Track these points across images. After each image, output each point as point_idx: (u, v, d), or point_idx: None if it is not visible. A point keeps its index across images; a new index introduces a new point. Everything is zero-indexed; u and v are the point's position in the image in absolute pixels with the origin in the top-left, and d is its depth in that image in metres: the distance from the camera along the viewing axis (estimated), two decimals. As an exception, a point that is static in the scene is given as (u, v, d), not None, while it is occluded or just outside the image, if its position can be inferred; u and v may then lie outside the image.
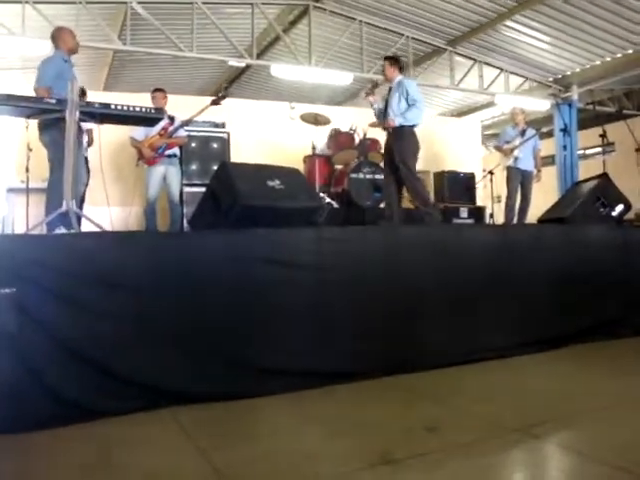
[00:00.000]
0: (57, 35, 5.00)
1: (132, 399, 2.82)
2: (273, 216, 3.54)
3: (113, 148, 7.55)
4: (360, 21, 10.95)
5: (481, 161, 11.69)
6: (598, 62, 11.72)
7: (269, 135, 9.25)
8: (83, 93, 4.53)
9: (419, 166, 6.04)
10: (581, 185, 6.04)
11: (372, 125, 7.47)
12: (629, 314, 4.55)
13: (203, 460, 2.24)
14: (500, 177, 8.30)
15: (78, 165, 4.44)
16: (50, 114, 4.10)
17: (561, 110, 11.64)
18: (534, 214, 6.82)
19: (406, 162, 5.63)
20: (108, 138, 6.62)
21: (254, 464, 2.22)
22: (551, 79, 12.81)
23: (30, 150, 6.39)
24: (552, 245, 4.44)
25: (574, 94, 12.67)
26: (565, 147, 10.92)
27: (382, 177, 6.56)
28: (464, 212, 8.83)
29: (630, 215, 5.91)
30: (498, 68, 12.28)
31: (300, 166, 7.80)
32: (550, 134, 13.62)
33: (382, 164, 6.41)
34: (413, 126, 5.72)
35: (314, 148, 8.05)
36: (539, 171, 7.84)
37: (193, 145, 7.35)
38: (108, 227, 5.46)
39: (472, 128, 12.10)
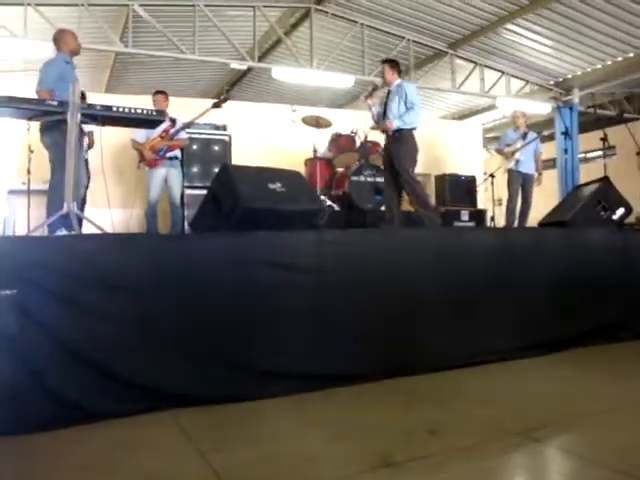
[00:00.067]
0: (59, 37, 5.00)
1: (133, 401, 2.82)
2: (274, 219, 3.54)
3: (114, 150, 7.56)
4: (362, 24, 10.96)
5: (482, 164, 11.69)
6: (599, 65, 11.73)
7: (270, 138, 9.26)
8: (82, 97, 4.53)
9: (420, 169, 6.05)
10: (582, 188, 6.04)
11: (373, 128, 7.48)
12: (630, 318, 4.55)
13: (204, 462, 2.24)
14: (501, 180, 8.31)
15: (79, 167, 4.44)
16: (51, 116, 4.11)
17: (562, 113, 11.65)
18: (535, 217, 6.82)
19: (405, 166, 5.65)
20: (109, 140, 6.63)
21: (255, 467, 2.22)
22: (552, 82, 12.82)
23: (31, 152, 6.40)
24: (553, 248, 4.44)
25: (575, 97, 12.69)
26: (566, 150, 10.91)
27: (383, 180, 6.57)
28: (465, 215, 8.83)
29: (631, 219, 5.92)
30: (499, 71, 12.29)
31: (301, 169, 7.79)
32: (551, 137, 13.63)
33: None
34: (412, 129, 5.73)
35: (315, 151, 8.06)
36: (540, 174, 7.84)
37: (194, 147, 7.37)
38: (109, 229, 5.46)
39: (473, 131, 12.10)
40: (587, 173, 10.85)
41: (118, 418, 2.73)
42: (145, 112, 4.20)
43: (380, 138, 6.47)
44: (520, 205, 7.71)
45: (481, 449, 2.37)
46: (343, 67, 11.58)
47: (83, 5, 8.89)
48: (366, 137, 7.88)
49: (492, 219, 9.28)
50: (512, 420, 2.72)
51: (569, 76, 12.46)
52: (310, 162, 8.06)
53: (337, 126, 8.27)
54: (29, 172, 6.62)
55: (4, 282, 2.63)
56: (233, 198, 3.48)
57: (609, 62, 11.50)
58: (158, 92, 6.95)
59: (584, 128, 13.01)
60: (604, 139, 7.48)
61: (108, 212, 5.90)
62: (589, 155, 15.16)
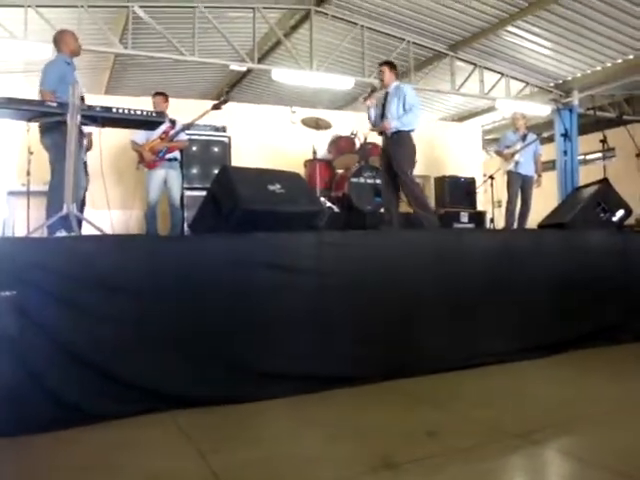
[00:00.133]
0: (59, 38, 5.01)
1: (133, 403, 2.81)
2: (274, 220, 3.54)
3: (114, 151, 7.56)
4: (362, 26, 10.98)
5: (482, 166, 11.69)
6: (599, 68, 11.75)
7: (270, 139, 9.26)
8: (81, 99, 4.54)
9: (419, 170, 6.06)
10: (581, 190, 6.04)
11: (372, 130, 7.49)
12: (629, 320, 4.54)
13: (203, 463, 2.24)
14: (501, 182, 8.31)
15: (78, 168, 4.44)
16: (51, 117, 4.11)
17: (562, 115, 11.63)
18: (534, 219, 6.82)
19: (404, 168, 5.67)
20: (109, 141, 6.62)
21: (254, 468, 2.22)
22: (552, 84, 12.84)
23: (31, 153, 6.40)
24: (552, 250, 4.44)
25: (575, 99, 12.70)
26: (565, 152, 10.88)
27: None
28: (464, 217, 8.84)
29: (630, 220, 5.92)
30: (499, 73, 12.32)
31: (301, 170, 7.81)
32: (551, 139, 13.65)
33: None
34: (410, 131, 5.74)
35: (315, 152, 8.07)
36: (539, 176, 7.86)
37: (194, 149, 7.37)
38: (109, 230, 5.46)
39: (473, 133, 12.11)
40: (586, 175, 10.84)
41: (118, 419, 2.72)
42: (145, 113, 4.20)
43: (379, 140, 6.48)
44: (519, 207, 7.72)
45: (480, 451, 2.37)
46: (343, 69, 11.60)
47: (83, 6, 8.91)
48: (366, 139, 7.89)
49: (491, 221, 9.29)
50: (511, 422, 2.72)
51: (569, 78, 12.49)
52: (310, 164, 8.07)
53: (337, 128, 8.28)
54: (29, 173, 6.61)
55: (4, 283, 2.63)
56: (233, 199, 3.48)
57: (609, 64, 11.52)
58: (158, 93, 6.95)
59: (584, 130, 13.03)
60: (604, 141, 7.49)
61: (107, 213, 5.90)
62: (589, 157, 15.20)
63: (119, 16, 9.67)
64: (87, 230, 4.43)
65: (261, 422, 2.82)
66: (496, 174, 8.75)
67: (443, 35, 11.29)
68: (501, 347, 3.90)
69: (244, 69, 11.34)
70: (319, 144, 8.15)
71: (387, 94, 5.95)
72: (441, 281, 3.86)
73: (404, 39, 11.35)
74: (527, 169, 7.70)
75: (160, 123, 4.78)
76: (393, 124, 5.67)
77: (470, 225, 8.78)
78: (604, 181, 5.65)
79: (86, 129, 4.68)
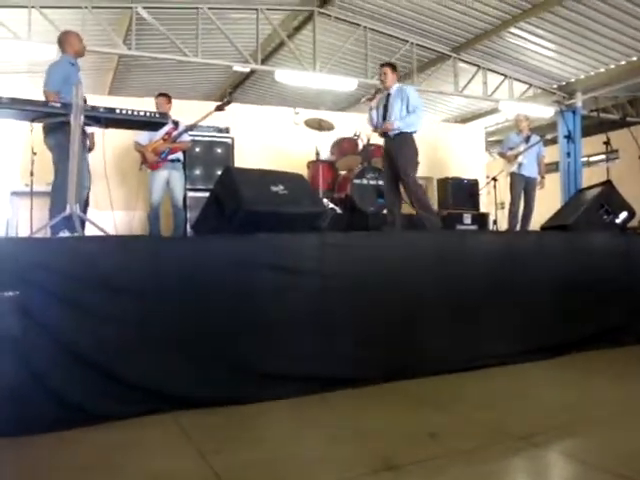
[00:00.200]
0: (64, 39, 5.01)
1: (136, 403, 2.82)
2: (276, 221, 3.54)
3: (117, 152, 7.55)
4: (365, 27, 10.98)
5: (485, 167, 11.69)
6: (602, 69, 11.74)
7: (273, 140, 9.26)
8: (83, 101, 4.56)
9: (422, 172, 6.05)
10: (585, 192, 6.04)
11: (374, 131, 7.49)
12: (632, 322, 4.53)
13: (204, 464, 2.24)
14: (504, 183, 8.29)
15: (82, 169, 4.45)
16: (55, 118, 4.12)
17: (565, 117, 11.64)
18: (537, 221, 6.81)
19: (407, 171, 5.67)
20: (112, 142, 6.63)
21: (256, 468, 2.22)
22: (555, 86, 12.83)
23: (34, 154, 6.40)
24: (555, 252, 4.43)
25: (578, 101, 12.69)
26: (569, 154, 10.93)
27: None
28: (467, 218, 8.83)
29: (634, 222, 5.91)
30: (502, 75, 12.31)
31: (304, 171, 7.80)
32: (554, 141, 13.62)
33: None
34: (412, 133, 5.74)
35: (318, 154, 8.06)
36: (543, 178, 7.84)
37: (197, 150, 7.38)
38: (112, 231, 5.46)
39: (476, 134, 12.09)
40: (590, 177, 10.83)
41: (119, 420, 2.73)
42: (148, 114, 4.21)
43: (382, 141, 6.47)
44: (522, 208, 7.70)
45: (482, 453, 2.37)
46: (346, 70, 11.61)
47: (87, 7, 8.93)
48: (369, 140, 7.89)
49: (494, 222, 9.28)
50: (513, 424, 2.71)
51: (572, 80, 12.47)
52: (312, 165, 8.07)
53: (340, 129, 8.27)
54: (32, 174, 6.61)
55: (7, 283, 2.63)
56: (236, 200, 3.48)
57: (612, 66, 11.51)
58: (161, 94, 6.95)
59: (587, 132, 13.00)
60: (607, 143, 7.46)
61: (111, 214, 5.91)
62: (592, 159, 15.16)
63: (123, 17, 9.69)
64: (90, 231, 4.43)
65: (263, 423, 2.82)
66: (499, 176, 8.73)
67: (446, 37, 11.29)
68: (503, 349, 3.89)
69: (247, 70, 11.36)
70: (322, 145, 8.14)
71: (389, 95, 5.94)
72: (443, 282, 3.86)
73: (407, 41, 11.34)
74: (530, 171, 7.69)
75: (163, 124, 4.78)
76: (397, 124, 5.67)
77: (473, 227, 8.77)
78: (607, 183, 5.65)
79: (87, 129, 4.69)
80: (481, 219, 9.06)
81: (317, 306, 3.39)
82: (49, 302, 2.71)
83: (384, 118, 5.89)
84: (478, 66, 12.03)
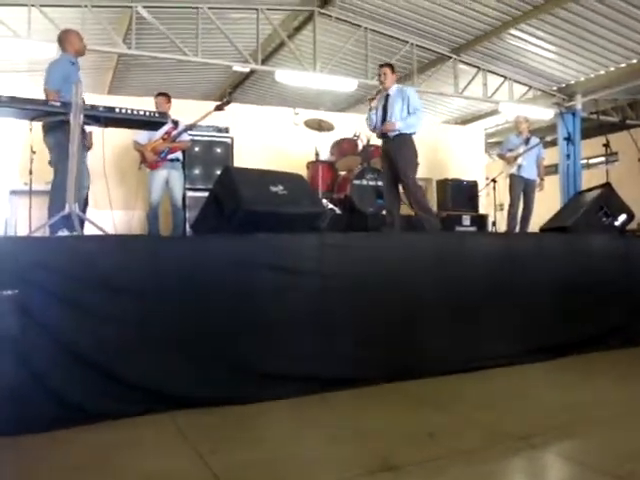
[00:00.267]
0: (64, 37, 5.00)
1: (135, 403, 2.82)
2: (276, 221, 3.54)
3: (116, 152, 7.55)
4: (365, 28, 10.98)
5: (484, 169, 11.68)
6: (602, 72, 11.75)
7: (273, 140, 9.25)
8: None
9: (421, 173, 6.05)
10: (584, 194, 6.05)
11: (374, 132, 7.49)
12: (632, 323, 4.54)
13: (201, 464, 2.24)
14: (503, 185, 8.29)
15: (81, 168, 4.44)
16: (54, 117, 4.11)
17: (565, 119, 11.66)
18: (536, 223, 6.82)
19: (407, 172, 5.67)
20: (111, 142, 6.62)
21: (253, 469, 2.22)
22: (555, 88, 12.84)
23: (33, 152, 6.38)
24: (554, 254, 4.44)
25: (578, 103, 12.71)
26: (568, 156, 10.93)
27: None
28: (467, 220, 8.83)
29: (633, 225, 5.92)
30: (502, 76, 12.31)
31: (303, 172, 7.79)
32: (554, 143, 13.63)
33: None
34: (412, 134, 5.74)
35: (317, 154, 8.05)
36: (542, 180, 7.83)
37: (196, 149, 7.37)
38: (111, 230, 5.46)
39: (475, 136, 12.09)
40: (589, 179, 10.85)
41: (115, 420, 2.72)
42: (147, 114, 4.21)
43: (381, 142, 6.47)
44: (522, 210, 7.70)
45: (481, 453, 2.37)
46: (346, 71, 11.61)
47: (86, 6, 8.93)
48: (368, 141, 7.88)
49: (494, 224, 9.26)
50: (513, 425, 2.71)
51: (572, 82, 12.48)
52: (312, 165, 8.07)
53: (339, 130, 8.27)
54: (31, 173, 6.59)
55: (6, 282, 2.63)
56: (235, 200, 3.48)
57: (612, 68, 11.52)
58: (160, 94, 6.94)
59: (586, 134, 13.02)
60: (606, 145, 7.47)
61: (110, 213, 5.90)
62: (591, 161, 15.19)
63: (123, 16, 9.69)
64: (89, 230, 4.42)
65: (262, 423, 2.82)
66: (498, 177, 8.72)
67: (446, 38, 11.30)
68: (503, 350, 3.90)
69: (247, 70, 11.36)
70: (322, 146, 8.14)
71: (388, 96, 5.93)
72: (443, 283, 3.86)
73: (407, 42, 11.35)
74: (530, 173, 7.69)
75: (163, 123, 4.77)
76: (398, 125, 5.67)
77: (472, 228, 8.77)
78: (607, 185, 5.65)
79: (86, 129, 4.68)
80: (480, 221, 9.05)
81: (317, 306, 3.39)
82: (49, 301, 2.70)
83: (383, 119, 5.88)
84: (478, 67, 12.04)
